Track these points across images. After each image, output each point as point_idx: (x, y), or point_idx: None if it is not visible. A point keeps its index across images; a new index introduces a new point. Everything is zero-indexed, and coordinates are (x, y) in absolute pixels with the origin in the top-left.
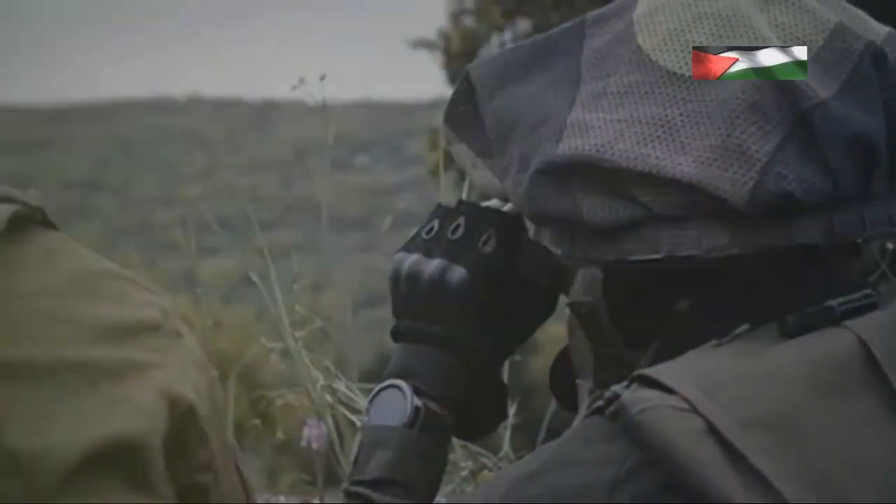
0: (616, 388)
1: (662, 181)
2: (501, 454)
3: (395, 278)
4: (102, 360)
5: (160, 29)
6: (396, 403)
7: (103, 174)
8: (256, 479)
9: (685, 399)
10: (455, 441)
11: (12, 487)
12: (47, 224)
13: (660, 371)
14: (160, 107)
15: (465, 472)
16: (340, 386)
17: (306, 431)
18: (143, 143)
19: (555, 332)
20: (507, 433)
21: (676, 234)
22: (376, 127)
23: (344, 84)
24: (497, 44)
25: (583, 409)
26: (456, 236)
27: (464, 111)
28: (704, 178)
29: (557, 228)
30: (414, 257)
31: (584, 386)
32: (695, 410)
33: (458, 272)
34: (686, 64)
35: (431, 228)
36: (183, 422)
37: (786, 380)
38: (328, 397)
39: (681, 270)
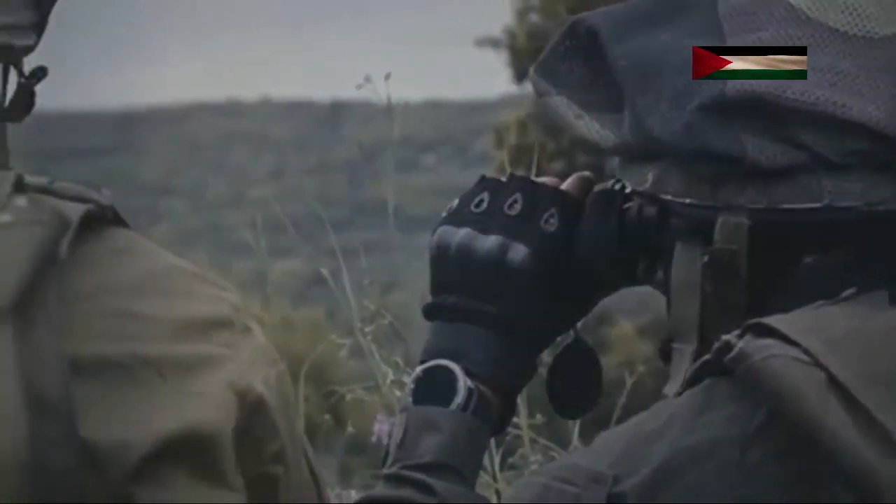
0: (726, 337)
1: (839, 125)
2: (570, 448)
3: (443, 252)
4: (174, 355)
5: (228, 33)
6: (446, 384)
7: (174, 178)
8: (328, 475)
9: (806, 350)
10: (525, 435)
11: (88, 478)
12: (119, 222)
13: (778, 321)
14: (229, 110)
15: (534, 466)
16: (407, 380)
17: (377, 427)
18: (212, 147)
19: (625, 330)
20: (576, 428)
21: (839, 183)
22: (442, 126)
23: (410, 84)
24: None
25: (679, 373)
26: (514, 212)
27: (565, 63)
28: (892, 124)
29: (712, 168)
30: (465, 231)
31: (685, 349)
32: (817, 363)
33: (520, 250)
34: (849, 23)
35: (481, 201)
36: (253, 414)
37: None
38: (398, 392)
39: (814, 224)
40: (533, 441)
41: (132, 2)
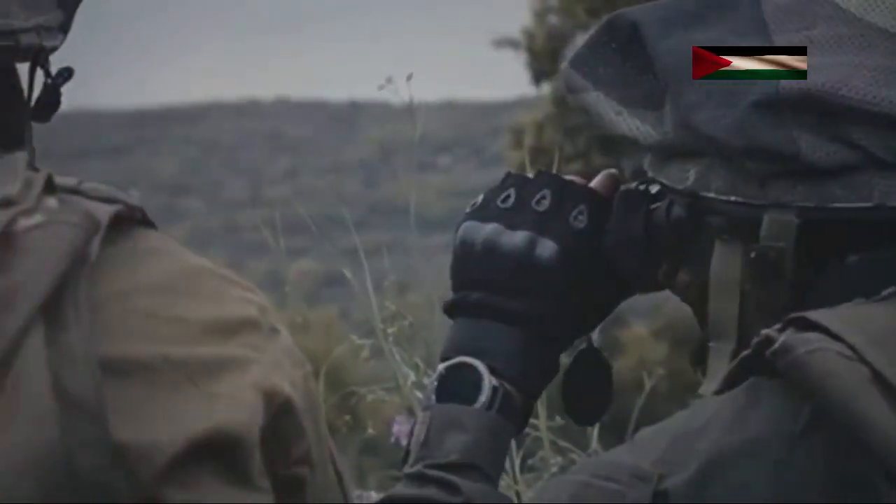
0: (766, 331)
1: (893, 124)
2: (590, 451)
3: (468, 248)
4: (203, 356)
5: (246, 33)
6: (469, 382)
7: (191, 177)
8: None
9: (850, 346)
10: (545, 437)
11: (118, 478)
12: (147, 223)
13: (820, 316)
14: (246, 110)
15: (554, 469)
16: (427, 381)
17: (395, 427)
18: (229, 146)
19: (639, 332)
20: (595, 431)
21: (891, 183)
22: (459, 127)
23: (427, 84)
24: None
25: (718, 372)
26: (542, 208)
27: (603, 59)
28: None
29: (763, 165)
30: (492, 226)
31: (723, 349)
32: (861, 359)
33: (548, 246)
34: (895, 24)
35: (507, 197)
36: (279, 415)
37: None
38: (418, 393)
39: (862, 223)
40: (552, 443)
41: (149, 1)
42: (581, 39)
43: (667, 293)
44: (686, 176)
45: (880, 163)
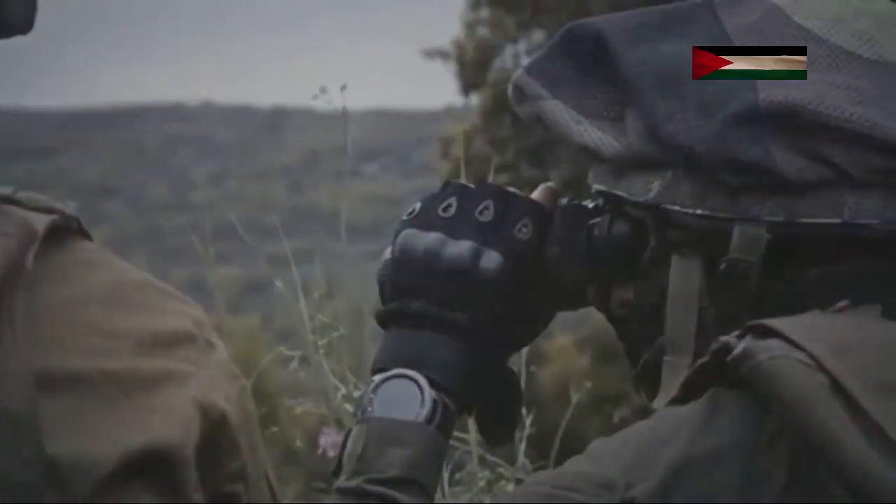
0: (725, 338)
1: (868, 143)
2: (517, 465)
3: (408, 256)
4: (139, 370)
5: (174, 36)
6: (409, 395)
7: (115, 180)
8: None
9: (811, 355)
10: (474, 451)
11: (51, 494)
12: (83, 234)
13: (780, 324)
14: (172, 113)
15: (482, 483)
16: (357, 394)
17: (322, 440)
18: (154, 150)
19: (563, 343)
20: (523, 445)
21: (860, 200)
22: (385, 135)
23: (355, 92)
24: (511, 54)
25: (672, 385)
26: (486, 218)
27: (562, 68)
28: None
29: (737, 178)
30: (435, 235)
31: (679, 363)
32: (822, 368)
33: (493, 257)
34: (860, 46)
35: (449, 206)
36: (215, 430)
37: None
38: (347, 406)
39: (827, 238)
40: (481, 458)
41: (74, 3)
42: (510, 52)
43: None
44: (649, 188)
45: (852, 180)
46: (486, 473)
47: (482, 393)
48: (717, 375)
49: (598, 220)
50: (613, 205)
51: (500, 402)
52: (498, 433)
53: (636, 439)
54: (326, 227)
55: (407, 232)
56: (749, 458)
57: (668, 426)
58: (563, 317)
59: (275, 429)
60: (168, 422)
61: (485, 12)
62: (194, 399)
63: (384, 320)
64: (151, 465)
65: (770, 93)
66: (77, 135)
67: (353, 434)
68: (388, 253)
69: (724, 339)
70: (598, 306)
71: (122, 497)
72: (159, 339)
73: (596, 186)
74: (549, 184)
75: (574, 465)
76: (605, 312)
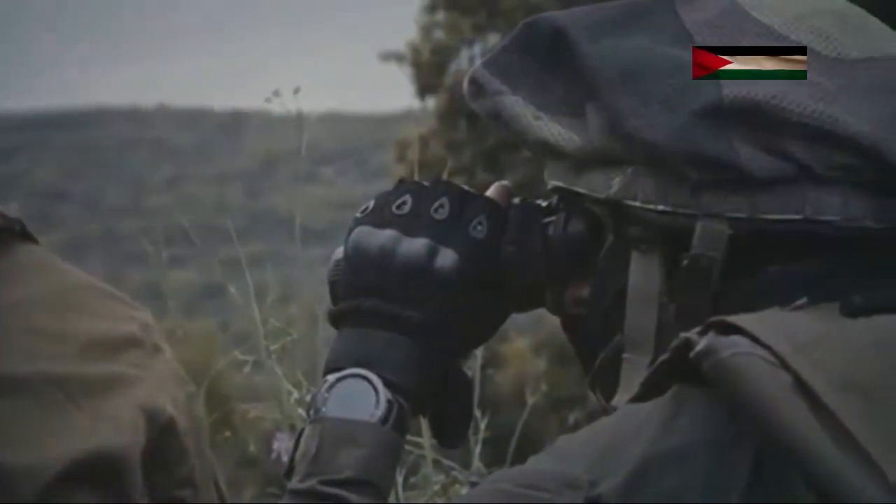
0: (686, 335)
1: (831, 139)
2: (472, 468)
3: (362, 254)
4: (84, 375)
5: (130, 38)
6: (363, 395)
7: (70, 183)
8: None
9: (774, 352)
10: (428, 455)
11: None
12: (27, 237)
13: (742, 321)
14: (128, 116)
15: (436, 486)
16: (321, 390)
17: (276, 444)
18: (110, 153)
19: (520, 346)
20: (478, 448)
21: (821, 196)
22: (343, 139)
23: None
24: (466, 57)
25: (631, 383)
26: (441, 216)
27: (520, 63)
28: (880, 140)
29: (701, 173)
30: (389, 233)
31: (638, 361)
32: (785, 366)
33: (448, 255)
34: (820, 44)
35: (403, 203)
36: (162, 436)
37: (874, 349)
38: (300, 410)
39: (788, 234)
40: (435, 461)
41: (28, 5)
42: (465, 55)
43: None
44: (610, 184)
45: (814, 177)
46: (441, 477)
47: (436, 393)
48: (678, 373)
49: (553, 218)
50: (569, 202)
51: (453, 403)
52: (451, 434)
53: (600, 436)
54: (284, 232)
55: (360, 230)
56: (714, 455)
57: (632, 423)
58: (519, 320)
59: (227, 433)
60: (114, 427)
61: (440, 15)
62: (141, 404)
63: (337, 320)
64: (97, 471)
65: (733, 88)
66: (29, 138)
67: (306, 434)
68: (339, 252)
69: (685, 335)
70: (552, 309)
71: (66, 501)
72: (105, 344)
73: (553, 183)
74: (504, 182)
75: (537, 462)
76: (560, 314)
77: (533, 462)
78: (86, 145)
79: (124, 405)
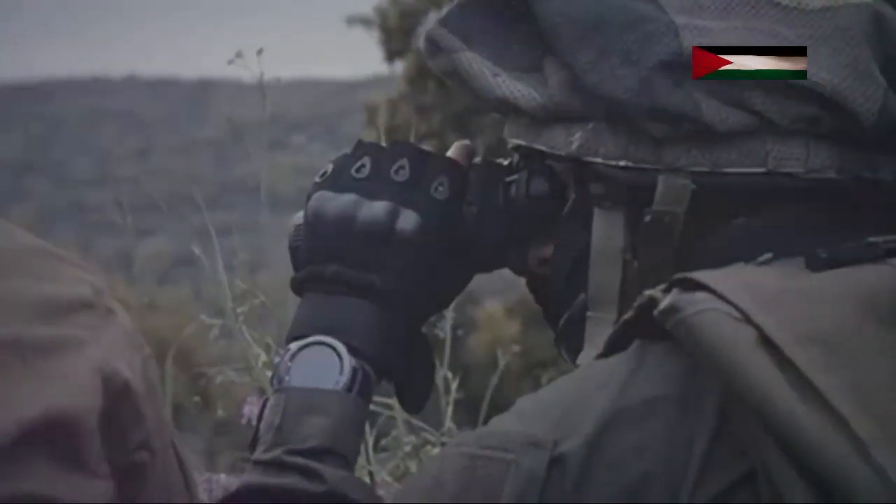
0: (650, 292)
1: (790, 90)
2: (444, 430)
3: (321, 219)
4: (35, 337)
5: (95, 9)
6: (327, 363)
7: (37, 155)
8: (196, 458)
9: (738, 308)
10: (399, 417)
11: None
12: None
13: (706, 277)
14: (95, 87)
15: (408, 448)
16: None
17: (246, 409)
18: (77, 124)
19: (493, 309)
20: (450, 409)
21: (783, 148)
22: (312, 105)
23: (280, 62)
24: (435, 20)
25: (596, 341)
26: (402, 178)
27: (477, 19)
28: (842, 90)
29: (662, 128)
30: (348, 197)
31: (603, 318)
32: (749, 321)
33: (410, 217)
34: None
35: (362, 166)
36: (118, 399)
37: (837, 301)
38: (269, 374)
39: (751, 187)
40: (406, 423)
41: None
42: (434, 18)
43: None
44: (570, 141)
45: (776, 128)
46: (412, 438)
47: (399, 358)
48: (642, 330)
49: (515, 177)
50: (530, 160)
51: (416, 368)
52: (414, 398)
53: (562, 395)
54: (254, 200)
55: (319, 195)
56: (676, 409)
57: (595, 380)
58: (492, 283)
59: (196, 398)
60: (67, 390)
61: None
62: (95, 367)
63: (299, 286)
64: (51, 434)
65: (693, 40)
66: None
67: (270, 404)
68: (299, 217)
69: (649, 293)
70: (516, 269)
71: (22, 468)
72: (55, 306)
73: (514, 141)
74: (465, 142)
75: (500, 423)
76: (525, 274)
77: (496, 423)
78: (52, 117)
79: (78, 367)
